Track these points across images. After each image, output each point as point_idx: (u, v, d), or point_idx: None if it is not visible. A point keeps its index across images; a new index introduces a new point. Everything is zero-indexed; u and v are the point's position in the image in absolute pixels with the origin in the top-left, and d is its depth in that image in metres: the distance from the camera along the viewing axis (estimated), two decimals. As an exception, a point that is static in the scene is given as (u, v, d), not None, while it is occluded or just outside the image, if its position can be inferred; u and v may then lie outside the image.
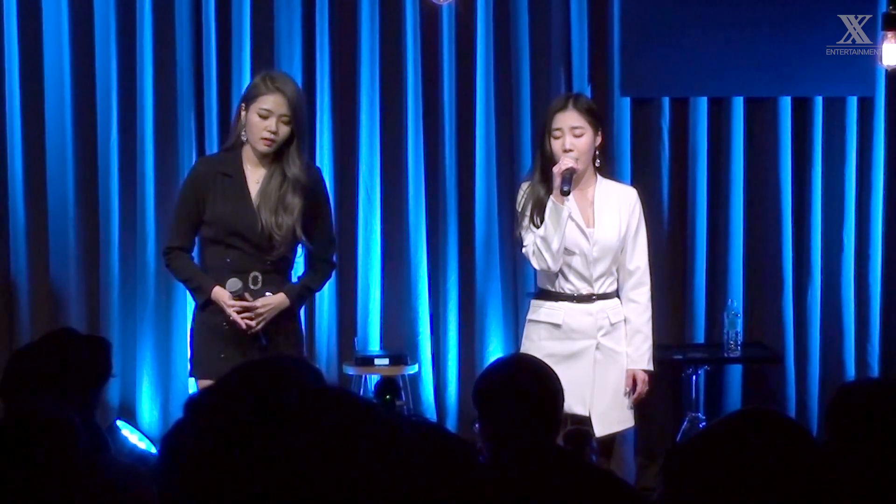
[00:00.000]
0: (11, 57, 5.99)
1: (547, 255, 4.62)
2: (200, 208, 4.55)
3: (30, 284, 6.08)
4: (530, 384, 3.03)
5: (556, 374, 3.12)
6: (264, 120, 4.46)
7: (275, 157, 4.52)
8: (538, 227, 4.63)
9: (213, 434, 1.31)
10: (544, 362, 3.21)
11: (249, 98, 4.52)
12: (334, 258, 4.81)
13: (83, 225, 6.08)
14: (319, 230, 4.65)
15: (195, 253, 4.75)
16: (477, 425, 3.10)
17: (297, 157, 4.50)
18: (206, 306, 4.53)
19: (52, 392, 3.19)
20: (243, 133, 4.53)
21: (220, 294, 4.48)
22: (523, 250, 4.75)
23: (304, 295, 4.70)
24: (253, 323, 4.47)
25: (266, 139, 4.47)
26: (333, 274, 4.96)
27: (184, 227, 4.60)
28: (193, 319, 4.70)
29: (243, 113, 4.53)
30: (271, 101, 4.46)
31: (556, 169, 4.57)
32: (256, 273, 4.54)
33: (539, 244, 4.62)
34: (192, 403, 1.40)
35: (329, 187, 6.08)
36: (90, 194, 6.07)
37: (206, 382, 4.43)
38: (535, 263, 4.71)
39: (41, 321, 5.98)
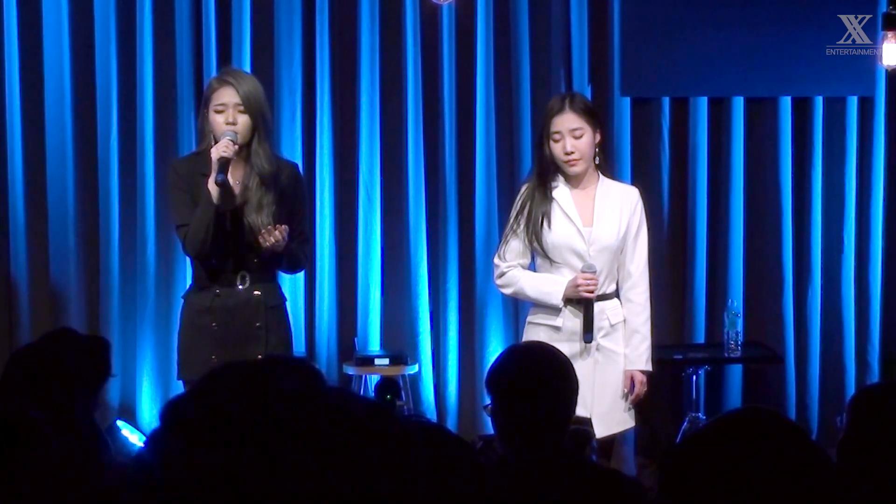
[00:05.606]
0: (11, 57, 6.00)
1: (509, 295, 4.84)
2: (191, 199, 4.54)
3: (30, 284, 6.08)
4: (551, 379, 2.98)
5: (574, 371, 3.08)
6: (221, 114, 4.49)
7: (247, 157, 4.53)
8: (535, 256, 4.68)
9: (192, 445, 1.25)
10: (566, 357, 3.13)
11: (206, 100, 4.56)
12: (305, 253, 4.79)
13: (83, 225, 6.08)
14: (294, 225, 4.60)
15: (189, 260, 4.70)
16: (489, 405, 3.04)
17: (261, 148, 4.51)
18: (224, 192, 4.42)
19: (51, 392, 3.19)
20: (212, 136, 4.53)
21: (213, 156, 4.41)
22: (496, 272, 4.73)
23: (294, 252, 4.60)
24: (278, 234, 4.36)
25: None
26: (304, 268, 4.91)
27: (186, 207, 4.52)
28: (181, 321, 4.68)
29: (206, 114, 4.56)
30: (223, 95, 4.49)
31: (570, 293, 4.57)
32: (245, 273, 4.54)
33: (509, 293, 4.79)
34: (170, 410, 1.32)
35: (329, 187, 6.12)
36: (90, 194, 6.07)
37: None
38: (499, 290, 4.88)
39: (41, 321, 5.98)
